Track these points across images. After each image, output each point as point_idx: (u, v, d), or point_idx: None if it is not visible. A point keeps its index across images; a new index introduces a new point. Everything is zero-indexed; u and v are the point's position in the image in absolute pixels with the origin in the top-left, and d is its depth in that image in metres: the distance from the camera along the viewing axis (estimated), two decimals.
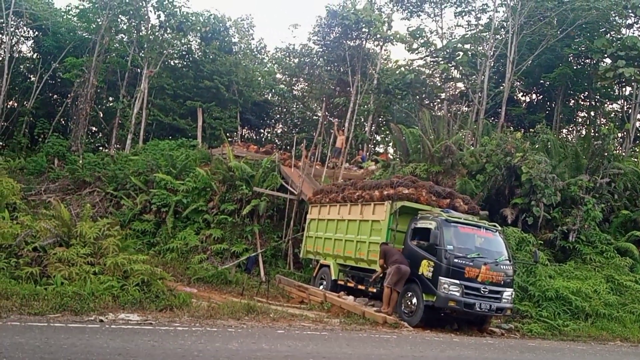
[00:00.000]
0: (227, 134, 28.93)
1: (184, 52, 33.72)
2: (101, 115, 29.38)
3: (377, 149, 34.20)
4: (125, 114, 27.93)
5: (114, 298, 9.63)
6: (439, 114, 27.66)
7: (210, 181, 19.25)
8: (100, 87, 27.59)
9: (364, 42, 30.64)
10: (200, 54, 33.39)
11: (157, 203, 18.92)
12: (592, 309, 13.98)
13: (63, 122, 29.59)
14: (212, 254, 17.30)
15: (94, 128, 31.18)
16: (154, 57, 28.02)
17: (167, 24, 28.61)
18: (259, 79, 36.62)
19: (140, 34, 29.16)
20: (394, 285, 11.69)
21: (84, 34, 29.11)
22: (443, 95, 31.58)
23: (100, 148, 30.36)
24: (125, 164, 21.84)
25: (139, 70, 29.10)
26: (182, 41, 31.96)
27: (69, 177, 21.78)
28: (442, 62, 27.71)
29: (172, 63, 33.46)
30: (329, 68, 34.03)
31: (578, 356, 10.53)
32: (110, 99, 31.09)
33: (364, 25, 28.94)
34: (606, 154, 18.57)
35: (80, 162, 22.62)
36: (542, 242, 16.55)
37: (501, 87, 27.20)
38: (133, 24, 29.14)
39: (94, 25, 27.77)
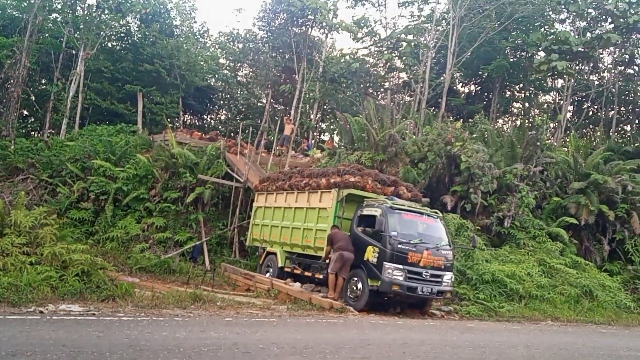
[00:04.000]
0: (169, 120, 28.24)
1: (122, 34, 32.53)
2: (33, 98, 27.91)
3: (322, 137, 34.41)
4: (59, 98, 26.71)
5: (52, 289, 9.29)
6: (383, 103, 28.10)
7: (152, 168, 18.77)
8: (33, 69, 26.19)
9: (309, 30, 30.65)
10: (139, 36, 32.31)
11: (95, 191, 18.29)
12: (525, 291, 14.73)
13: None
14: (155, 242, 16.96)
15: (25, 112, 29.59)
16: (90, 39, 26.83)
17: (105, 4, 27.46)
18: (202, 63, 35.84)
19: (76, 14, 27.85)
20: (337, 271, 11.89)
21: (14, 13, 27.47)
22: (387, 85, 32.10)
23: (33, 133, 28.92)
24: (61, 150, 20.92)
25: (74, 52, 27.83)
26: (121, 22, 30.76)
27: (0, 164, 20.65)
28: (386, 52, 28.14)
29: (109, 45, 32.20)
30: (274, 54, 33.81)
31: (513, 335, 11.09)
32: (44, 81, 29.62)
33: (309, 13, 28.93)
34: (539, 143, 19.51)
35: (12, 147, 21.46)
36: (479, 228, 17.23)
37: (442, 78, 27.96)
38: (68, 3, 27.78)
39: (26, 4, 26.26)
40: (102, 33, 28.38)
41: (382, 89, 33.29)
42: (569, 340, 11.10)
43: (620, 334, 13.19)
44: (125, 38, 32.63)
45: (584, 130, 32.48)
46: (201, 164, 18.65)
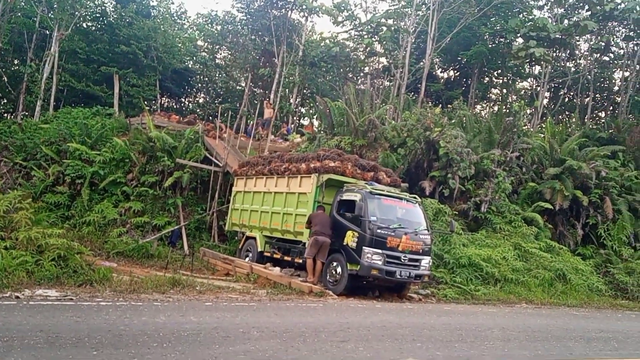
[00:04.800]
0: (146, 103, 27.80)
1: (98, 15, 31.75)
2: (6, 79, 27.18)
3: (302, 121, 34.28)
4: (33, 79, 26.04)
5: (28, 274, 9.17)
6: (363, 87, 28.07)
7: (129, 152, 18.50)
8: (5, 50, 25.49)
9: (289, 13, 30.31)
10: (115, 17, 31.58)
11: (71, 174, 17.96)
12: (501, 275, 15.02)
13: None
14: (132, 227, 16.76)
15: None
16: (65, 19, 26.10)
17: None
18: (179, 45, 35.24)
19: None
20: (314, 255, 11.92)
21: None
22: (367, 70, 32.04)
23: (6, 115, 28.23)
24: (35, 133, 20.45)
25: (48, 32, 27.10)
26: (96, 2, 30.09)
27: None
28: (366, 36, 28.05)
29: (85, 26, 31.43)
30: (253, 37, 33.40)
31: (489, 318, 11.33)
32: (16, 62, 28.83)
33: None
34: (516, 129, 19.74)
35: None
36: (457, 213, 17.46)
37: (421, 63, 28.02)
38: None
39: None
40: (76, 13, 27.64)
41: (362, 74, 33.22)
42: (543, 323, 11.37)
43: (592, 316, 13.56)
44: (101, 18, 31.86)
45: (560, 117, 32.95)
46: (179, 148, 18.46)
